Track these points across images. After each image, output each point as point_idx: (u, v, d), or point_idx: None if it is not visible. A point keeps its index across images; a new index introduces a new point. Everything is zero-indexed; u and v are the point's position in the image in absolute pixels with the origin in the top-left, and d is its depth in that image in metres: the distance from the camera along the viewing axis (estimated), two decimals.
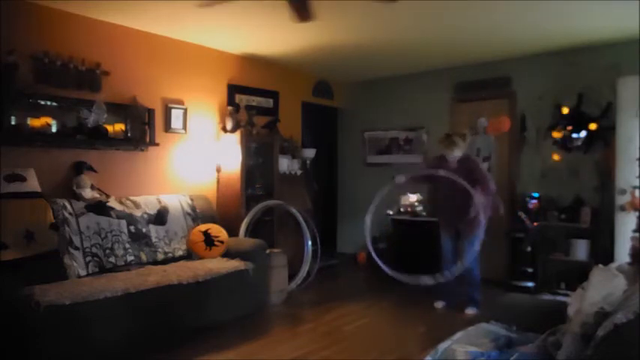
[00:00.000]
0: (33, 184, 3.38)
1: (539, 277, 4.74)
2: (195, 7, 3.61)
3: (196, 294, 3.44)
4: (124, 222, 3.76)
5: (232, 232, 4.34)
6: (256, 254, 4.04)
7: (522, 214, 4.79)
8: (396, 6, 3.63)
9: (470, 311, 4.10)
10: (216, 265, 3.77)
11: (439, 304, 4.33)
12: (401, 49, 4.97)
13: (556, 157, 4.89)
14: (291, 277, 4.75)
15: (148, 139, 4.26)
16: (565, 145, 4.77)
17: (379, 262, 3.67)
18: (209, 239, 4.03)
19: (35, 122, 3.53)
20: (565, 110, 4.74)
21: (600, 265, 1.96)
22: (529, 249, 4.76)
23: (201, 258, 3.96)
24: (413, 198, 5.66)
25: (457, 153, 4.13)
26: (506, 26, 4.23)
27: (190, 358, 3.15)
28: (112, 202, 3.80)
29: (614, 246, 4.26)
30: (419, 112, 6.03)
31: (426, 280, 3.81)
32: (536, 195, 4.88)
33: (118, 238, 3.68)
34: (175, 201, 4.27)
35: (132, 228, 3.80)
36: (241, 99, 5.25)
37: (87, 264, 3.43)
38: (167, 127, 4.51)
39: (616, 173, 4.31)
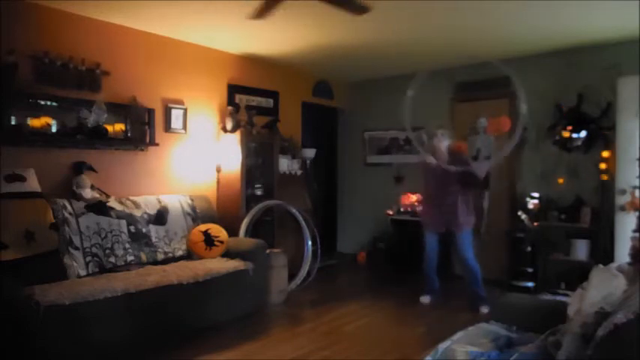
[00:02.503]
0: (33, 184, 3.38)
1: (539, 277, 4.74)
2: (194, 7, 3.60)
3: (196, 294, 3.44)
4: (124, 222, 3.76)
5: (232, 232, 4.33)
6: (256, 254, 4.05)
7: (522, 214, 4.78)
8: (396, 6, 3.64)
9: (484, 310, 4.09)
10: (216, 265, 3.77)
11: (425, 299, 4.46)
12: (401, 49, 4.97)
13: (556, 157, 4.88)
14: (291, 277, 4.75)
15: (147, 139, 4.27)
16: (565, 145, 4.77)
17: None
18: (209, 239, 4.03)
19: (35, 122, 3.54)
20: (565, 110, 4.73)
21: (600, 265, 1.96)
22: (529, 249, 4.75)
23: (201, 258, 3.96)
24: (413, 198, 5.66)
25: (442, 146, 4.35)
26: (506, 26, 4.23)
27: (190, 358, 3.14)
28: (112, 202, 3.80)
29: (614, 246, 4.26)
30: (419, 112, 6.01)
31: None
32: (536, 195, 4.88)
33: (118, 238, 3.68)
34: (175, 201, 4.27)
35: (132, 228, 3.80)
36: (241, 99, 5.25)
37: (87, 264, 3.43)
38: (167, 127, 4.51)
39: (616, 173, 4.31)
